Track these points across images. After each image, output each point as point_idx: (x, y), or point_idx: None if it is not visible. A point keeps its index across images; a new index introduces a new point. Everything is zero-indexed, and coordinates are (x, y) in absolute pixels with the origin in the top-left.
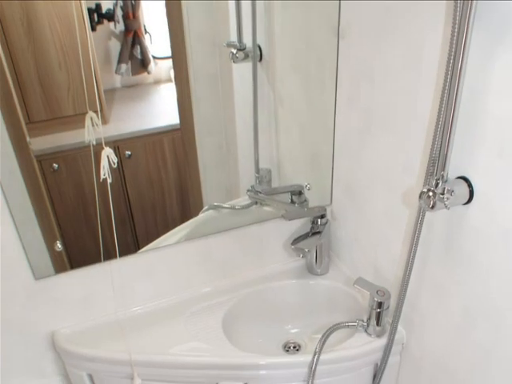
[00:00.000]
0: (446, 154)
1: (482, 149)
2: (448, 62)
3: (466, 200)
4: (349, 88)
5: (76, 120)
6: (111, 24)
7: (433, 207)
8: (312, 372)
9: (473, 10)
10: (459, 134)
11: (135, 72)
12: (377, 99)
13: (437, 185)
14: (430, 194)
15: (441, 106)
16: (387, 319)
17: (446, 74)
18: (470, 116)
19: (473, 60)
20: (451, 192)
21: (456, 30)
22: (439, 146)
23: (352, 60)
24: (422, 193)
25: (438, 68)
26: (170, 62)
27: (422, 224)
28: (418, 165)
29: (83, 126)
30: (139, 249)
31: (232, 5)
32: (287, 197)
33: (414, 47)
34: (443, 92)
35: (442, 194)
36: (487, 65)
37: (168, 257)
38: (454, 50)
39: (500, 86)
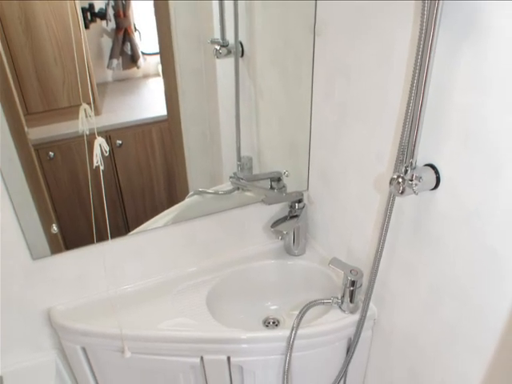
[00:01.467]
0: (415, 143)
1: (448, 138)
2: (416, 59)
3: (433, 186)
4: (325, 83)
5: (71, 111)
6: (103, 22)
7: (402, 193)
8: (290, 346)
9: (439, 10)
10: (427, 124)
11: (126, 67)
12: (351, 93)
13: (406, 172)
14: (400, 180)
15: (410, 99)
16: (360, 297)
17: (415, 69)
18: (436, 108)
19: (439, 56)
20: (419, 178)
21: (424, 29)
22: (408, 136)
23: (328, 57)
24: (392, 179)
25: (407, 64)
26: (158, 58)
27: (392, 208)
28: (389, 153)
29: (77, 117)
30: (129, 231)
31: (216, 4)
32: (267, 183)
33: (385, 45)
34: (412, 86)
35: (411, 180)
36: (453, 61)
37: (156, 239)
38: (421, 47)
39: (464, 81)
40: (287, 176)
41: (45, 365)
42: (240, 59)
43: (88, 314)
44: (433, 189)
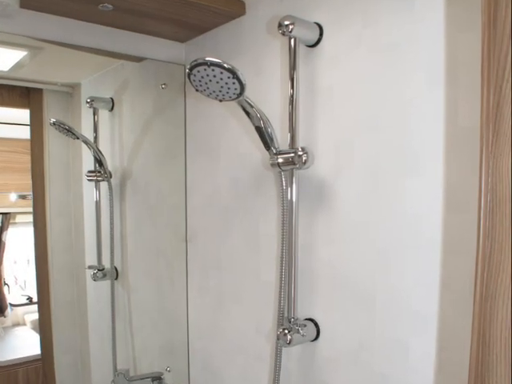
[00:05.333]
0: (294, 306)
1: (320, 293)
2: (283, 234)
3: (313, 337)
4: (199, 279)
5: None
6: None
7: (290, 342)
8: None
9: (294, 195)
10: (301, 288)
11: None
12: (225, 282)
13: (290, 321)
14: (286, 331)
15: (281, 273)
16: None
17: (283, 243)
18: (306, 272)
19: (302, 223)
20: (303, 326)
21: (286, 212)
22: (286, 302)
23: (200, 257)
24: (279, 333)
25: (275, 240)
26: (25, 308)
27: (280, 364)
28: (270, 323)
29: None
30: None
31: (89, 238)
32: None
33: (251, 231)
34: (282, 259)
35: (297, 326)
36: (313, 224)
37: None
38: (286, 223)
39: (323, 238)
40: (169, 371)
41: None
42: (115, 281)
43: None
44: (315, 339)
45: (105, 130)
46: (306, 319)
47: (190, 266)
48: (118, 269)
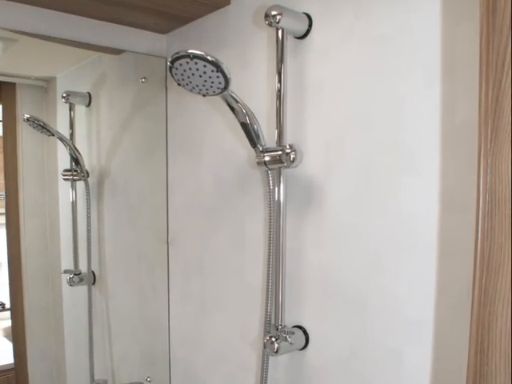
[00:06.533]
0: (281, 313)
1: (309, 299)
2: (270, 236)
3: (302, 345)
4: (181, 284)
5: None
6: None
7: (277, 351)
8: None
9: (282, 197)
10: (289, 293)
11: None
12: (208, 287)
13: (277, 329)
14: (273, 339)
15: (268, 277)
16: None
17: (269, 246)
18: (295, 276)
19: (290, 225)
20: (291, 333)
21: (273, 213)
22: (273, 309)
23: (182, 260)
24: (266, 341)
25: (262, 242)
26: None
27: (267, 372)
28: (254, 329)
29: None
30: None
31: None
32: None
33: (236, 232)
34: (269, 264)
35: (285, 334)
36: (301, 226)
37: None
38: (273, 224)
39: (313, 240)
40: (150, 381)
41: None
42: (92, 286)
43: None
44: (303, 347)
45: (81, 126)
46: (294, 326)
47: (171, 270)
48: (96, 273)
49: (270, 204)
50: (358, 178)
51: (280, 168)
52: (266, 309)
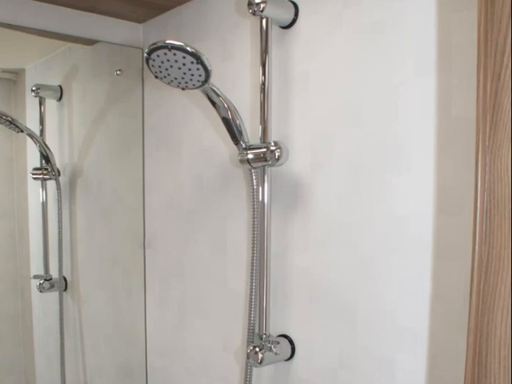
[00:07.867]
0: (266, 321)
1: (295, 306)
2: (254, 239)
3: (288, 355)
4: (159, 290)
5: None
6: None
7: (261, 362)
8: None
9: (266, 195)
10: (274, 300)
11: None
12: (188, 292)
13: (261, 338)
14: (257, 349)
15: (252, 283)
16: None
17: (253, 250)
18: (280, 282)
19: (275, 227)
20: (276, 343)
21: (257, 214)
22: (257, 316)
23: (159, 265)
24: (249, 351)
25: (245, 246)
26: None
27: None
28: (239, 340)
29: None
30: None
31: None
32: None
33: (218, 235)
34: (252, 268)
35: (270, 343)
36: (287, 229)
37: None
38: (257, 226)
39: (299, 244)
40: None
41: None
42: (64, 292)
43: None
44: (289, 358)
45: (52, 121)
46: (280, 335)
47: (148, 276)
48: (68, 278)
49: (253, 205)
50: (347, 176)
51: (264, 166)
52: (250, 317)
